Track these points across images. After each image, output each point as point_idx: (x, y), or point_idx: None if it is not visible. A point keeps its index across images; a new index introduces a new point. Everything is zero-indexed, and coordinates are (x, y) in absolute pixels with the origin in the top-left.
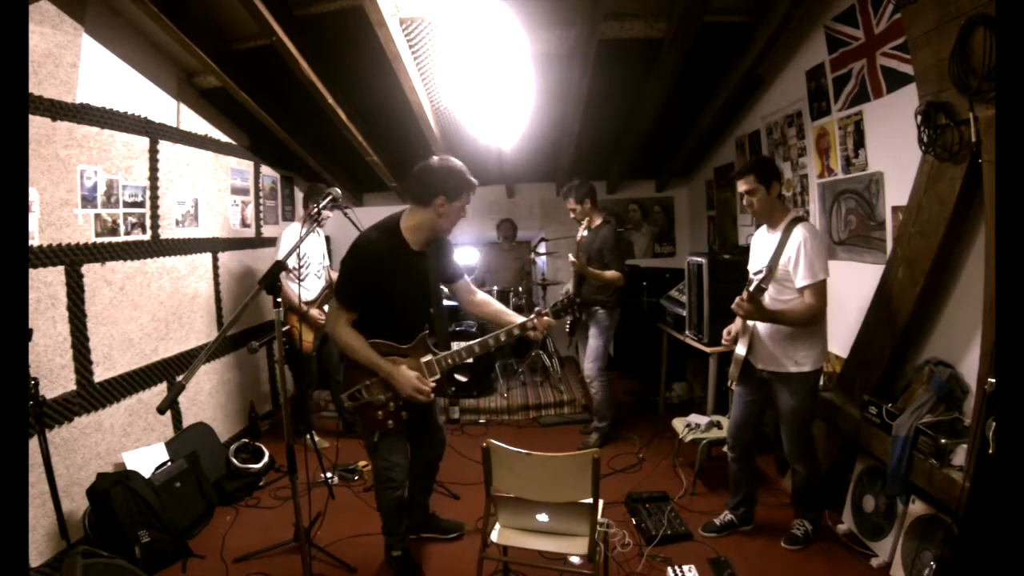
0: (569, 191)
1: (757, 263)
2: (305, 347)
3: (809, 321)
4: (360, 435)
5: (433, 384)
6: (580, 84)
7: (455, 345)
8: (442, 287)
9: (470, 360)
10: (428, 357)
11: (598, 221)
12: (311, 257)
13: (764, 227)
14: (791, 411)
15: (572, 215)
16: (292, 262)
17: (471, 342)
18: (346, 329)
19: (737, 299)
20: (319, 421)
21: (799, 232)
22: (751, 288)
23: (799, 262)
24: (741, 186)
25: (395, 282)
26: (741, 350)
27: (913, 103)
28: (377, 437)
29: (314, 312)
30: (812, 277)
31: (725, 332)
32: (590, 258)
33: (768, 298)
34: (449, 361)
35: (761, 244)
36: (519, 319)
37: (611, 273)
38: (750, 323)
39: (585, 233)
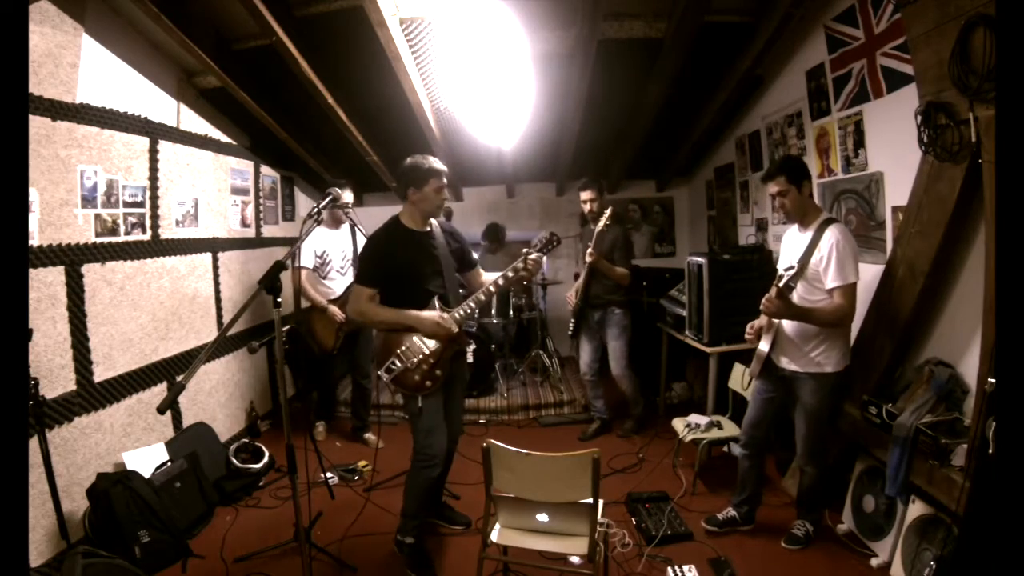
0: (588, 182)
1: (787, 261)
2: (325, 346)
3: (837, 323)
4: (362, 439)
5: (454, 326)
6: (580, 84)
7: None
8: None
9: (476, 312)
10: (445, 315)
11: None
12: (332, 255)
13: (795, 226)
14: (809, 411)
15: (589, 207)
16: (312, 262)
17: (476, 292)
18: (369, 304)
19: (765, 297)
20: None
21: (831, 233)
22: (780, 284)
23: (830, 263)
24: (772, 188)
25: (404, 257)
26: (764, 346)
27: (913, 103)
28: (420, 402)
29: (333, 308)
30: (843, 279)
31: (748, 327)
32: (600, 254)
33: (797, 297)
34: (461, 313)
35: (792, 243)
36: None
37: (621, 270)
38: (776, 320)
39: (603, 226)
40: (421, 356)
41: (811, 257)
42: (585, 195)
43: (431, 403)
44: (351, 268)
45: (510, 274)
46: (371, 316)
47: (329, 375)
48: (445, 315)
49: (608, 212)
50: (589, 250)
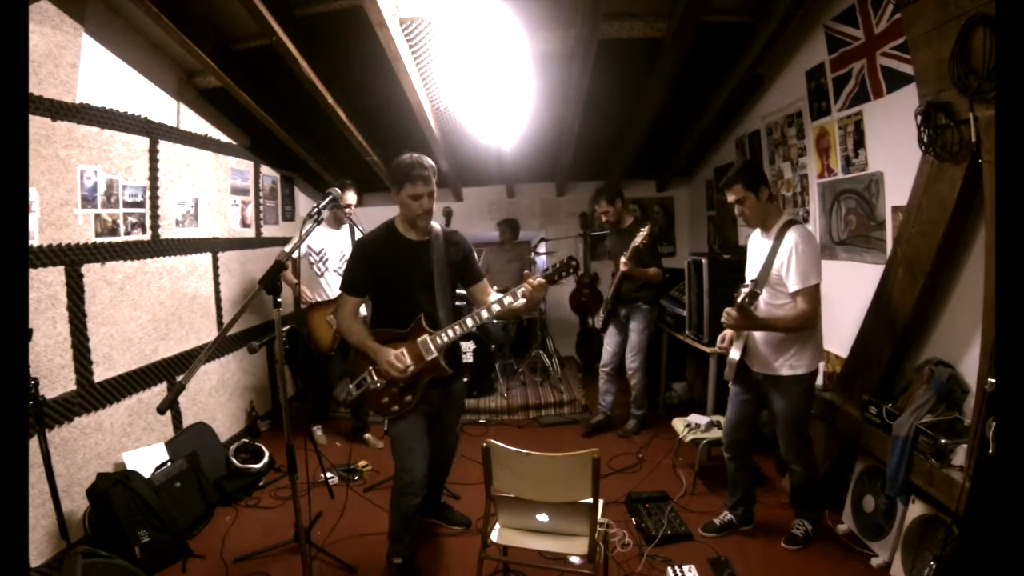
0: (599, 194)
1: (752, 266)
2: (323, 346)
3: (801, 326)
4: (362, 439)
5: (412, 364)
6: (580, 84)
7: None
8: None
9: (466, 337)
10: (424, 336)
11: (630, 221)
12: (329, 253)
13: (759, 231)
14: (785, 413)
15: (604, 218)
16: (302, 251)
17: (464, 318)
18: (349, 317)
19: (725, 311)
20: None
21: (791, 236)
22: (740, 299)
23: (791, 267)
24: (730, 197)
25: (392, 268)
26: (735, 354)
27: (913, 103)
28: (387, 426)
29: (305, 290)
30: (803, 282)
31: (719, 339)
32: (633, 263)
33: (763, 303)
34: (443, 338)
35: (756, 249)
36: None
37: (654, 270)
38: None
39: (640, 243)
40: (391, 379)
41: (773, 263)
42: (600, 208)
43: (401, 428)
44: None
45: (508, 299)
46: (347, 333)
47: (326, 376)
48: (395, 356)
49: (645, 231)
50: (623, 259)
